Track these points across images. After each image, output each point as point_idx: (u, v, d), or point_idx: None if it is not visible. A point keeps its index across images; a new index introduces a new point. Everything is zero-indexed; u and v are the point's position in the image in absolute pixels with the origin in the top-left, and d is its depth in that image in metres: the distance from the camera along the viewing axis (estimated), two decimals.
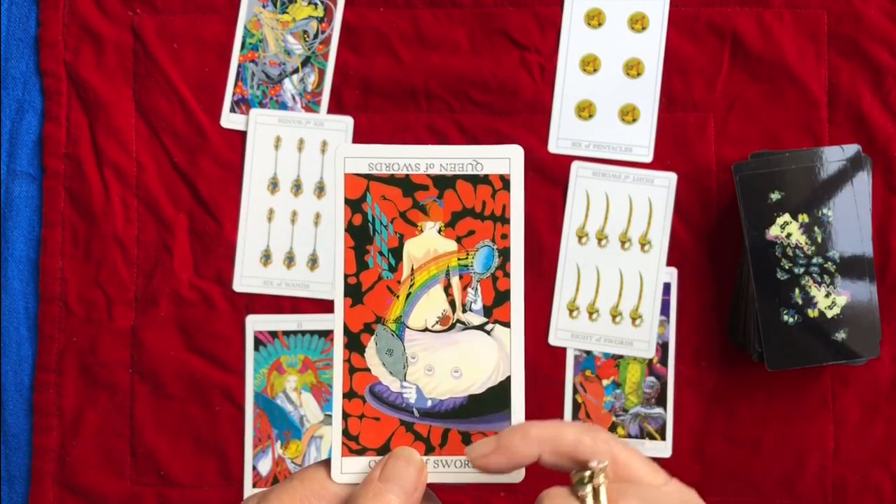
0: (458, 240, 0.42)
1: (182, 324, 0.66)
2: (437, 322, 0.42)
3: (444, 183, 0.41)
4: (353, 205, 0.41)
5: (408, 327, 0.42)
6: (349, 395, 0.41)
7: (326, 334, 0.66)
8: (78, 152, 0.66)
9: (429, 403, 0.41)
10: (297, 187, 0.66)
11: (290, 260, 0.66)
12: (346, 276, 0.41)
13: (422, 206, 0.42)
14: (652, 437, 0.65)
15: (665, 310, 0.65)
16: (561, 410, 0.65)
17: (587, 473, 0.36)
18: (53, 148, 0.66)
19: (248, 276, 0.66)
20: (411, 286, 0.42)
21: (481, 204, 0.42)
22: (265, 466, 0.65)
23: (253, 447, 0.65)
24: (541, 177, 0.65)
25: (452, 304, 0.42)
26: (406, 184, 0.41)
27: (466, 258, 0.42)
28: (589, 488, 0.35)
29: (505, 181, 0.42)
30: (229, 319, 0.66)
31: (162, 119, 0.66)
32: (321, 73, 0.66)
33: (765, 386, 0.64)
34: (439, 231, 0.42)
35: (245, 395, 0.66)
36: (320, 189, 0.66)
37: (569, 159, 0.65)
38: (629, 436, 0.65)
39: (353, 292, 0.41)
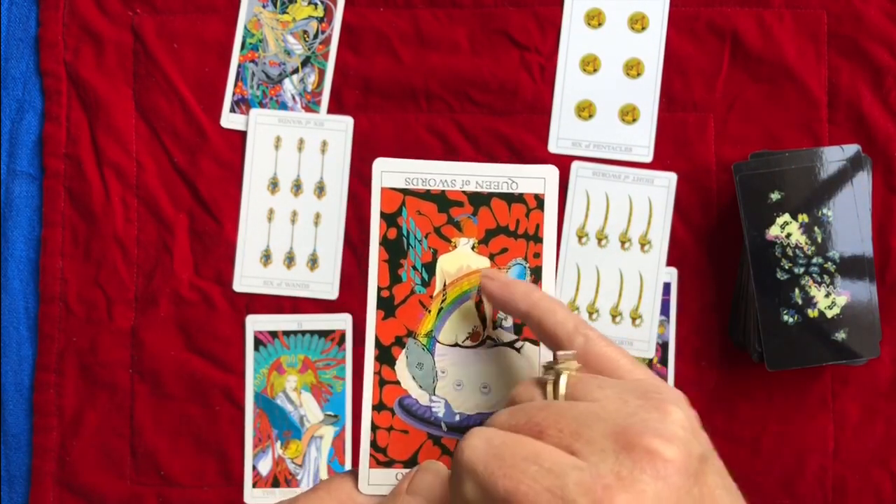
0: (491, 257, 0.42)
1: (182, 324, 0.66)
2: (467, 338, 0.42)
3: (479, 200, 0.42)
4: (389, 219, 0.41)
5: (438, 342, 0.42)
6: (378, 407, 0.41)
7: (326, 334, 0.66)
8: (78, 152, 0.66)
9: (457, 418, 0.41)
10: (297, 187, 0.66)
11: (290, 260, 0.66)
12: (378, 289, 0.41)
13: (456, 223, 0.42)
14: None
15: (665, 310, 0.65)
16: None
17: (554, 361, 0.36)
18: (53, 148, 0.66)
19: (248, 276, 0.66)
20: (443, 301, 0.42)
21: (515, 222, 0.42)
22: (265, 466, 0.65)
23: (253, 447, 0.65)
24: None
25: (483, 320, 0.42)
26: (442, 199, 0.42)
27: None
28: (552, 375, 0.36)
29: (539, 200, 0.42)
30: (229, 319, 0.66)
31: (162, 119, 0.66)
32: (321, 73, 0.66)
33: (765, 386, 0.64)
34: (472, 248, 0.42)
35: (245, 395, 0.66)
36: (320, 189, 0.66)
37: (569, 159, 0.65)
38: None
39: (386, 305, 0.41)
